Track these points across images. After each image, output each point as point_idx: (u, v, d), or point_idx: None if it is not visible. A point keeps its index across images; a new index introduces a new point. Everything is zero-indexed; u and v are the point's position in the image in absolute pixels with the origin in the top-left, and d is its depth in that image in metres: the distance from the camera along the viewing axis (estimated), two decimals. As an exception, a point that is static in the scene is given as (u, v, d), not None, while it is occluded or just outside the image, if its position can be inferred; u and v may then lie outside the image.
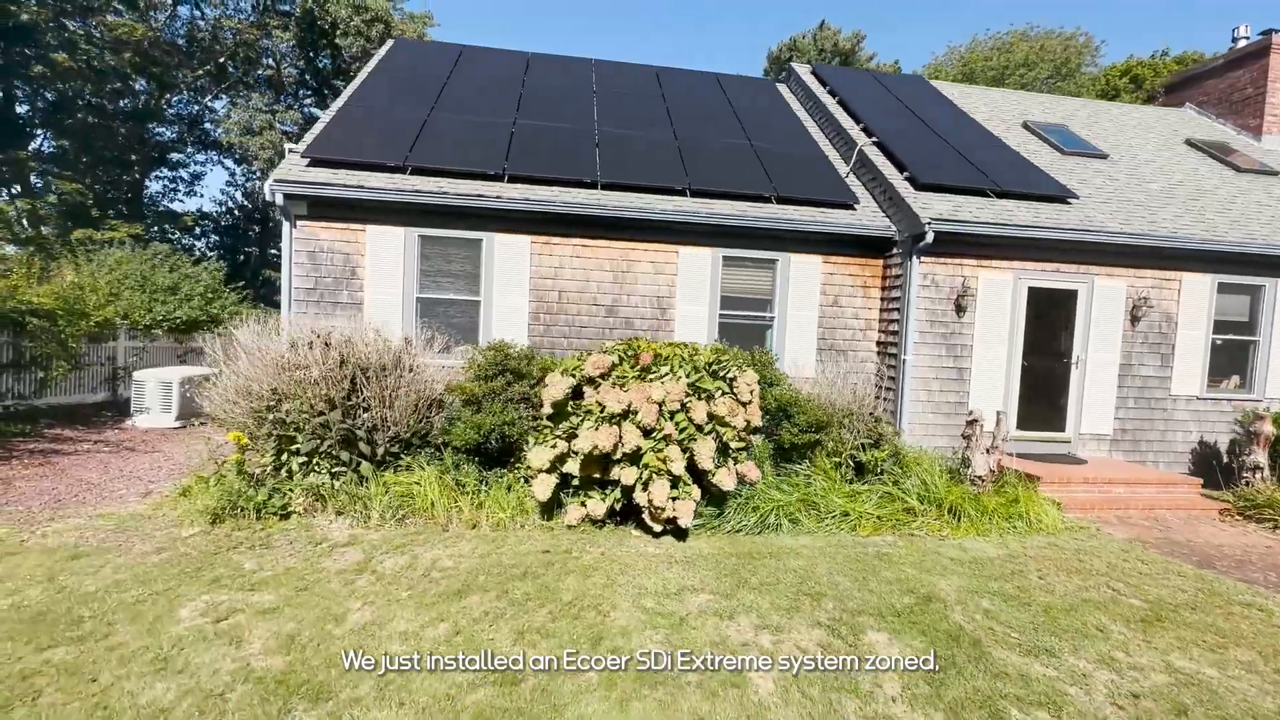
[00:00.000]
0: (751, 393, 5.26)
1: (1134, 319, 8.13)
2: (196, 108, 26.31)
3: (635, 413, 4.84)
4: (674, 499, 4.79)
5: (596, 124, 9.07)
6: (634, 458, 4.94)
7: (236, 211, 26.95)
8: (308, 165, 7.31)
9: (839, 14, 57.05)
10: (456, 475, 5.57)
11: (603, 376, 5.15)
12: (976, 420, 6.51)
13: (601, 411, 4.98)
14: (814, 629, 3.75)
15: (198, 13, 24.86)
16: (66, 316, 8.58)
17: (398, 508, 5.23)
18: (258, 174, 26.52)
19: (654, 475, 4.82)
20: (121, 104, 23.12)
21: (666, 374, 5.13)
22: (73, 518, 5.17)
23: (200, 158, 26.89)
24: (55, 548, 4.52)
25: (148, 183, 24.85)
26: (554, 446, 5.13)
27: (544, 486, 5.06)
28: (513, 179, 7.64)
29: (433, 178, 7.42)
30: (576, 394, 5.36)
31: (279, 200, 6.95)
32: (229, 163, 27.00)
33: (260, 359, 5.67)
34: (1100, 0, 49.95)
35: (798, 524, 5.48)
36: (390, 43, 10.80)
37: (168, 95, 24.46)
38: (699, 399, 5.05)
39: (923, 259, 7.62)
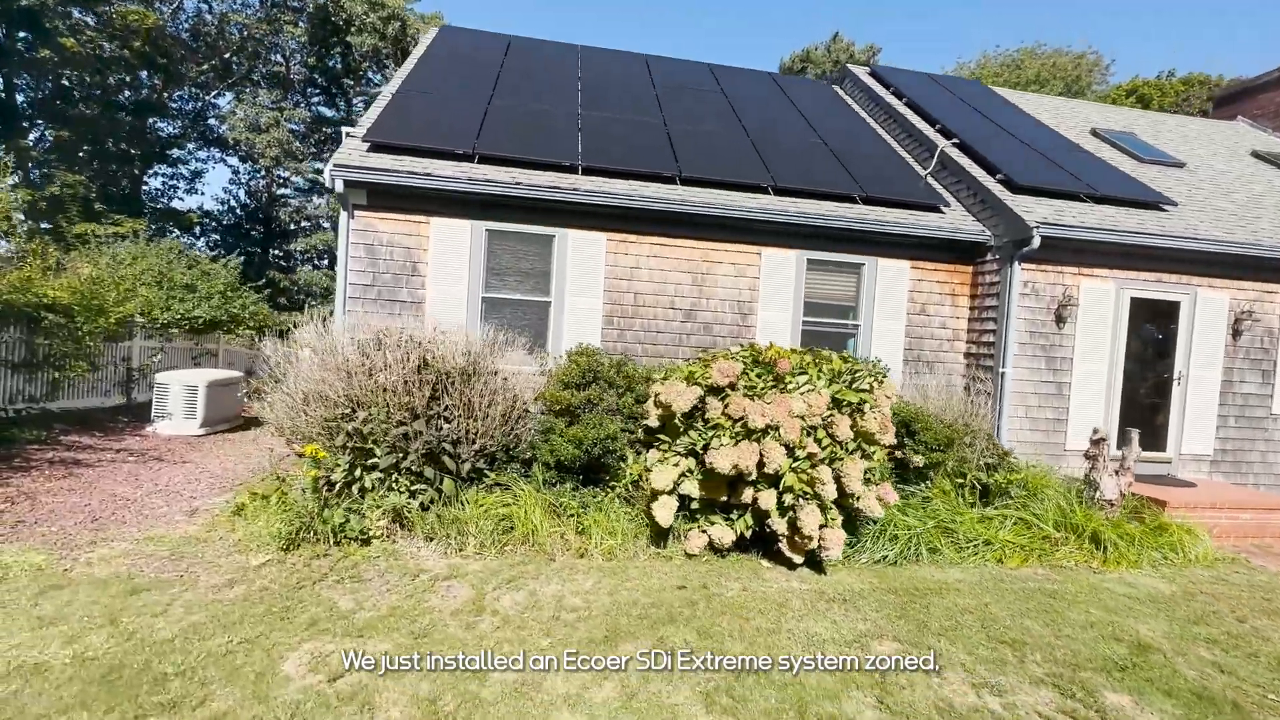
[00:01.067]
0: (890, 406, 4.70)
1: (1235, 333, 7.70)
2: (200, 103, 25.53)
3: (776, 428, 4.26)
4: (822, 527, 4.19)
5: (664, 117, 8.54)
6: (773, 479, 4.34)
7: (239, 210, 26.11)
8: (368, 150, 6.69)
9: (830, 26, 57.32)
10: (553, 495, 4.93)
11: (731, 386, 4.56)
12: (1103, 439, 6.00)
13: (733, 425, 4.38)
14: (1039, 688, 3.17)
15: (204, 5, 24.16)
16: (84, 313, 7.83)
17: (494, 532, 4.58)
18: (262, 172, 25.77)
19: (799, 500, 4.23)
20: (124, 96, 22.33)
21: (804, 383, 4.55)
22: (117, 541, 4.46)
23: (202, 155, 26.09)
24: (107, 579, 3.82)
25: (146, 179, 23.98)
26: (675, 465, 4.53)
27: (666, 510, 4.45)
28: (586, 171, 7.07)
29: (502, 167, 6.83)
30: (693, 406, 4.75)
31: (338, 187, 6.31)
32: (233, 160, 26.18)
33: (329, 361, 5.02)
34: (1098, 19, 50.72)
35: (936, 553, 4.90)
36: (436, 30, 10.22)
37: (170, 89, 23.67)
38: (841, 412, 4.48)
39: (1024, 265, 7.14)
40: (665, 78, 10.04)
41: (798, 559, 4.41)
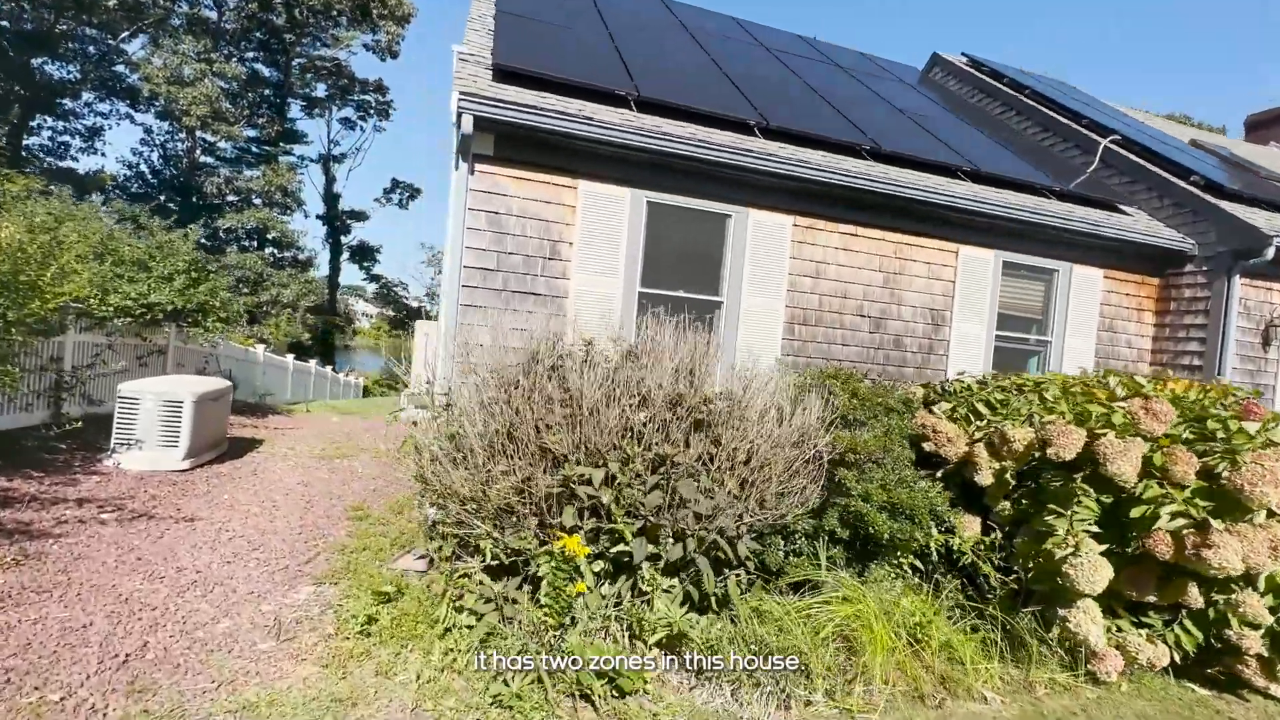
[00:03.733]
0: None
1: (1405, 361, 7.21)
2: (103, 46, 21.28)
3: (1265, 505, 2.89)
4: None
5: (804, 82, 7.06)
6: (1249, 576, 2.97)
7: (151, 178, 22.03)
8: (493, 79, 4.76)
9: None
10: (879, 590, 3.32)
11: (1172, 437, 3.15)
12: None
13: (1182, 494, 2.97)
14: None
15: (115, -72, 20.09)
16: (10, 294, 5.29)
17: (836, 665, 2.91)
18: (184, 134, 21.90)
19: (1312, 608, 2.89)
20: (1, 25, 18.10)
21: (1257, 433, 3.22)
22: (190, 717, 2.42)
23: (103, 108, 21.80)
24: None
25: (36, 132, 19.63)
26: (1096, 551, 3.06)
27: (1096, 625, 2.98)
28: (767, 134, 5.47)
29: (669, 119, 5.11)
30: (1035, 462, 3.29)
31: (467, 128, 4.35)
32: (145, 118, 22.07)
33: (538, 387, 3.16)
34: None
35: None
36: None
37: (67, 22, 19.47)
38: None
39: (1242, 280, 6.25)
40: (768, 40, 8.56)
41: (1275, 689, 3.06)
